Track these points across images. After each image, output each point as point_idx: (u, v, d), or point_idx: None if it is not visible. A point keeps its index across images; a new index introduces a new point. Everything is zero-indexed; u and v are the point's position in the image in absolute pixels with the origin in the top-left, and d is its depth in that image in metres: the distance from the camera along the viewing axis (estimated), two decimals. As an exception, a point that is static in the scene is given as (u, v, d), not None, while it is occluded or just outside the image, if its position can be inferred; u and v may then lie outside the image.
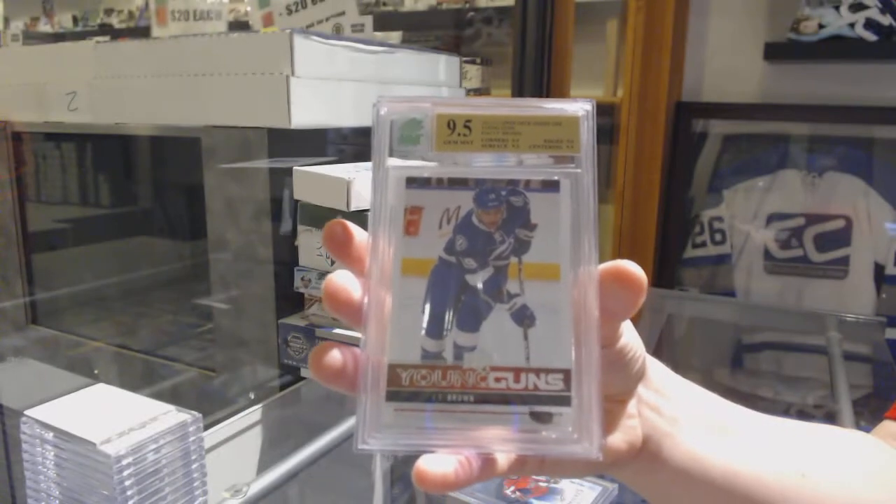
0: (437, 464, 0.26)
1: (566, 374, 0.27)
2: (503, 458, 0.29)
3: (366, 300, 0.28)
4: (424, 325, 0.28)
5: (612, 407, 0.33)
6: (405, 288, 0.28)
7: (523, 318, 0.28)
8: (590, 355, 0.27)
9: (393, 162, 0.29)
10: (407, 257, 0.28)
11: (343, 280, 0.28)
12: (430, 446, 0.27)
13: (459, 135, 0.29)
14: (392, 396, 0.27)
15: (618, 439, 0.33)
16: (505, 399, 0.27)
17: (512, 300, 0.28)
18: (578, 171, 0.29)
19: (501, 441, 0.27)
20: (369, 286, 0.28)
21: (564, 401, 0.27)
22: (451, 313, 0.28)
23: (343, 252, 0.29)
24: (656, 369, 0.36)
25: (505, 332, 0.28)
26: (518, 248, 0.29)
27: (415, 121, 0.30)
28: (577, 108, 0.29)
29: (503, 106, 0.30)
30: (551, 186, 0.29)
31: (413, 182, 0.29)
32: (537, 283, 0.28)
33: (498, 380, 0.28)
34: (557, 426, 0.27)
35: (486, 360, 0.28)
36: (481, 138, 0.29)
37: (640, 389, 0.34)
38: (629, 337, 0.32)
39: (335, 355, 0.28)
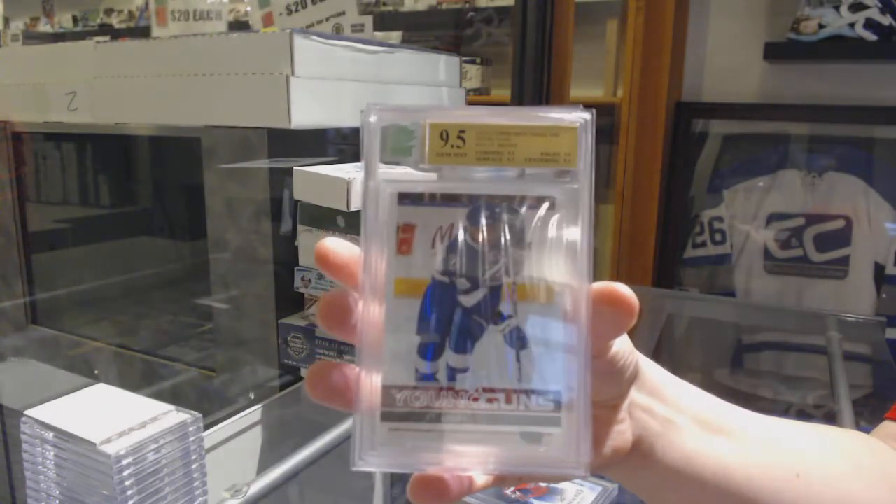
0: (431, 481, 0.27)
1: (557, 395, 0.28)
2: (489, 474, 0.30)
3: (359, 320, 0.28)
4: (418, 346, 0.28)
5: (603, 412, 0.33)
6: (398, 308, 0.28)
7: (516, 339, 0.28)
8: (581, 377, 0.28)
9: (384, 174, 0.29)
10: (399, 277, 0.28)
11: (338, 299, 0.28)
12: (424, 465, 0.28)
13: (453, 146, 0.28)
14: (387, 417, 0.28)
15: (604, 446, 0.33)
16: (497, 419, 0.28)
17: (505, 321, 0.28)
18: (575, 186, 0.28)
19: (492, 460, 0.28)
20: (362, 306, 0.28)
21: (555, 422, 0.28)
22: (445, 335, 0.28)
23: (335, 270, 0.29)
24: (651, 371, 0.36)
25: (498, 353, 0.28)
26: (512, 267, 0.28)
27: (406, 130, 0.29)
28: (576, 117, 0.28)
29: (499, 115, 0.29)
30: (547, 203, 0.28)
31: (405, 198, 0.28)
32: (530, 303, 0.28)
33: (490, 401, 0.28)
34: (547, 446, 0.28)
35: (478, 381, 0.28)
36: (476, 150, 0.28)
37: (633, 392, 0.34)
38: (620, 345, 0.32)
39: (331, 375, 0.28)
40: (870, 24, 1.49)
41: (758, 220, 1.69)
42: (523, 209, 0.28)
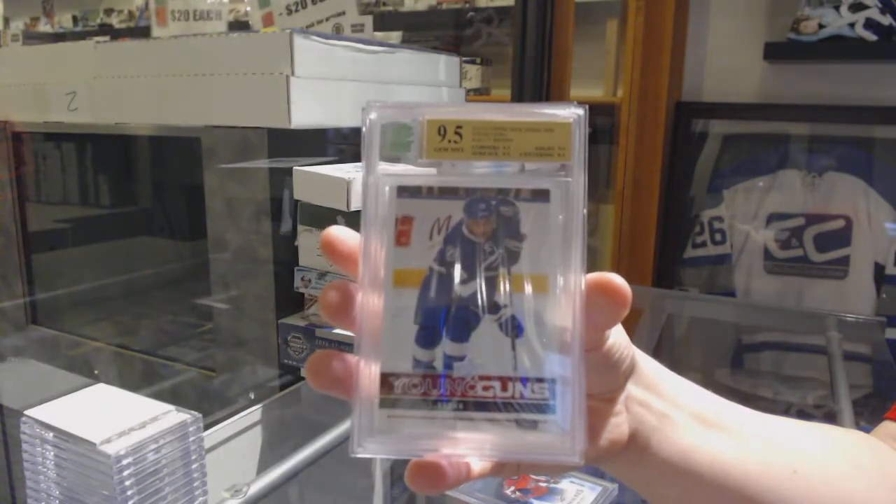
0: (428, 467, 0.28)
1: (552, 383, 0.28)
2: (485, 461, 0.30)
3: (358, 309, 0.29)
4: (415, 335, 0.29)
5: (600, 405, 0.34)
6: (397, 298, 0.29)
7: (511, 328, 0.29)
8: (575, 365, 0.28)
9: (383, 169, 0.29)
10: (398, 268, 0.29)
11: (339, 289, 0.29)
12: (421, 451, 0.28)
13: (450, 141, 0.29)
14: (385, 404, 0.28)
15: (601, 437, 0.33)
16: (492, 407, 0.29)
17: (500, 311, 0.29)
18: (569, 179, 0.29)
19: (488, 447, 0.28)
20: (361, 295, 0.29)
21: (549, 409, 0.28)
22: (442, 324, 0.29)
23: (340, 259, 0.30)
24: (648, 366, 0.36)
25: (493, 342, 0.29)
26: (507, 258, 0.29)
27: (405, 127, 0.29)
28: (570, 113, 0.29)
29: (495, 111, 0.29)
30: (541, 196, 0.29)
31: (404, 191, 0.29)
32: (526, 293, 0.29)
33: (486, 388, 0.29)
34: (542, 433, 0.28)
35: (474, 369, 0.29)
36: (472, 145, 0.29)
37: (630, 386, 0.35)
38: (616, 338, 0.32)
39: (331, 364, 0.29)
40: (870, 24, 1.49)
41: (758, 220, 1.69)
42: (518, 201, 0.29)
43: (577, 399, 0.28)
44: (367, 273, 0.29)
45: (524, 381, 0.29)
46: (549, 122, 0.29)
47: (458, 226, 0.29)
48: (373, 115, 0.29)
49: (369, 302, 0.29)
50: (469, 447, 0.28)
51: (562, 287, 0.29)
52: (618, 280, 0.29)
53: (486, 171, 0.30)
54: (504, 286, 0.29)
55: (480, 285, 0.29)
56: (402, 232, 0.29)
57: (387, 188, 0.29)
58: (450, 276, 0.29)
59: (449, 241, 0.29)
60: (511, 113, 0.29)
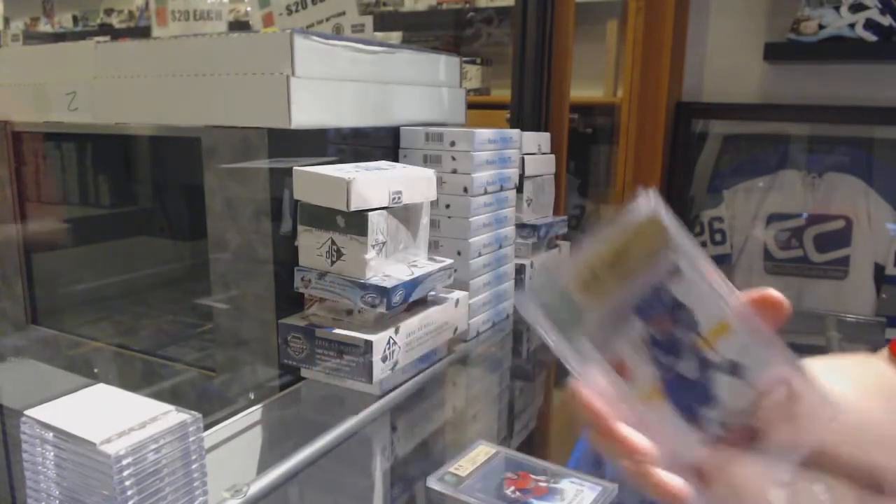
0: None
1: (791, 380, 0.35)
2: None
3: (635, 438, 0.35)
4: (685, 424, 0.36)
5: None
6: (652, 411, 0.36)
7: (736, 369, 0.35)
8: (787, 353, 0.35)
9: (570, 338, 0.36)
10: (638, 391, 0.36)
11: (611, 435, 0.35)
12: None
13: (593, 284, 0.36)
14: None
15: None
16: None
17: (718, 364, 0.35)
18: (682, 246, 0.35)
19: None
20: (631, 425, 0.35)
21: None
22: (694, 404, 0.36)
23: (595, 414, 0.36)
24: None
25: (733, 386, 0.35)
26: (691, 327, 0.36)
27: (563, 298, 0.36)
28: (650, 207, 0.35)
29: (598, 242, 0.36)
30: (675, 273, 0.36)
31: (596, 340, 0.36)
32: (722, 339, 0.35)
33: (755, 422, 0.35)
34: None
35: (736, 416, 0.35)
36: (608, 275, 0.36)
37: None
38: None
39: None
40: (870, 25, 1.49)
41: (758, 220, 1.69)
42: (664, 287, 0.36)
43: (809, 376, 0.34)
44: (617, 408, 0.35)
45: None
46: (638, 224, 0.35)
47: (646, 331, 0.36)
48: (530, 300, 0.36)
49: (641, 423, 0.35)
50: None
51: (738, 317, 0.35)
52: (772, 292, 0.36)
53: (630, 283, 0.36)
54: (706, 346, 0.35)
55: (694, 357, 0.36)
56: (619, 369, 0.36)
57: (586, 349, 0.36)
58: (672, 368, 0.36)
59: (652, 346, 0.36)
60: (609, 235, 0.36)
